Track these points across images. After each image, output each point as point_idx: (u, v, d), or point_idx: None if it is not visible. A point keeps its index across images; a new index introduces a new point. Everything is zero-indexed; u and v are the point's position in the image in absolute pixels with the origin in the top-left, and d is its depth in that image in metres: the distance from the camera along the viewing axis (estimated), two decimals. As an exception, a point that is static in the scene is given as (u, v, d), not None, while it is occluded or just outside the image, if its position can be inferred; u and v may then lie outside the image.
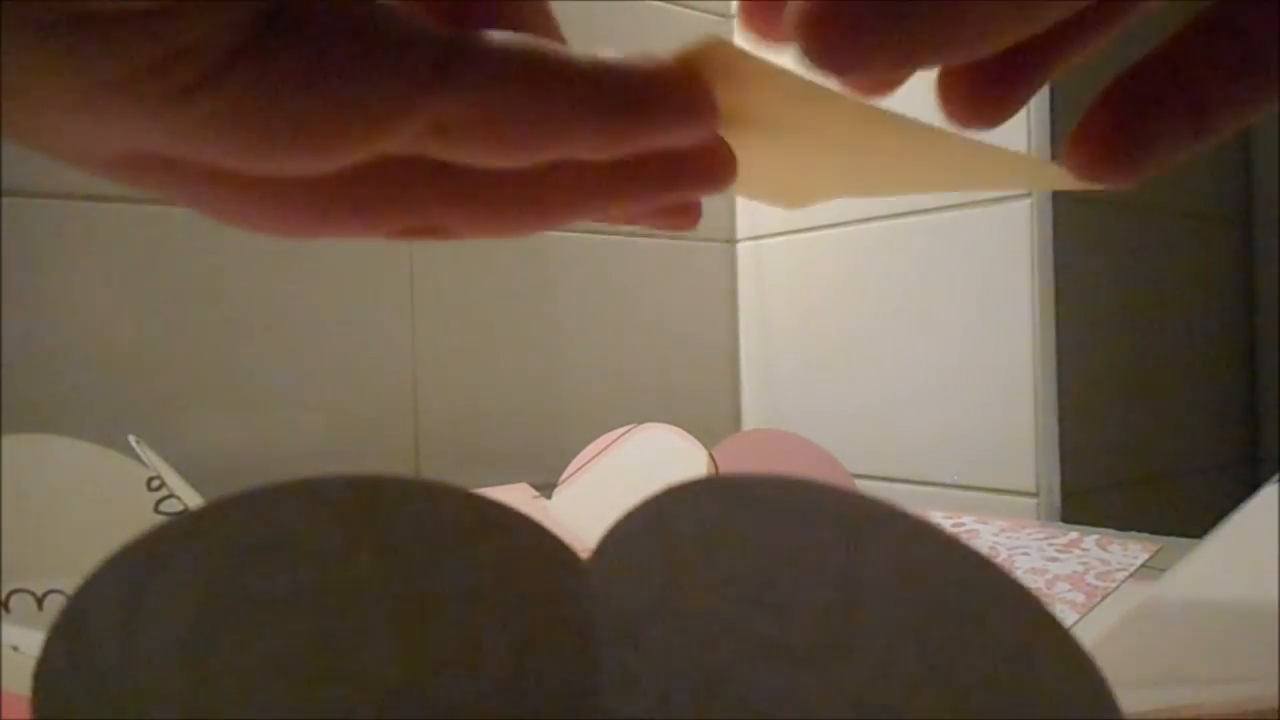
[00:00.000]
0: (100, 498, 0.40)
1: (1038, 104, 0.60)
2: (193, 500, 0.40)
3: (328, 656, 0.13)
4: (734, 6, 0.80)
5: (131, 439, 0.42)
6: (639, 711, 0.15)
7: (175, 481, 0.40)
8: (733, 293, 0.81)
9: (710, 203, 0.82)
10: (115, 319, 0.54)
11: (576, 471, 0.58)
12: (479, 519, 0.14)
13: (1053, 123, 0.60)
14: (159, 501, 0.39)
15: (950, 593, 0.13)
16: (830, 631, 0.13)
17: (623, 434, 0.58)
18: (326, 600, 0.13)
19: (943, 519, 0.53)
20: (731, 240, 0.81)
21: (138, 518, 0.39)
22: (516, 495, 0.55)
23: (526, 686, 0.14)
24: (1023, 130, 0.60)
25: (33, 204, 0.52)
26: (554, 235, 0.71)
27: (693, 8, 0.79)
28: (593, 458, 0.58)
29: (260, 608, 0.13)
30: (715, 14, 0.80)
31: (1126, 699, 0.18)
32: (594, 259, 0.73)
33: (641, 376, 0.75)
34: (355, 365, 0.62)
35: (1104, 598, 0.39)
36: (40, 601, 0.34)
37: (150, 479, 0.40)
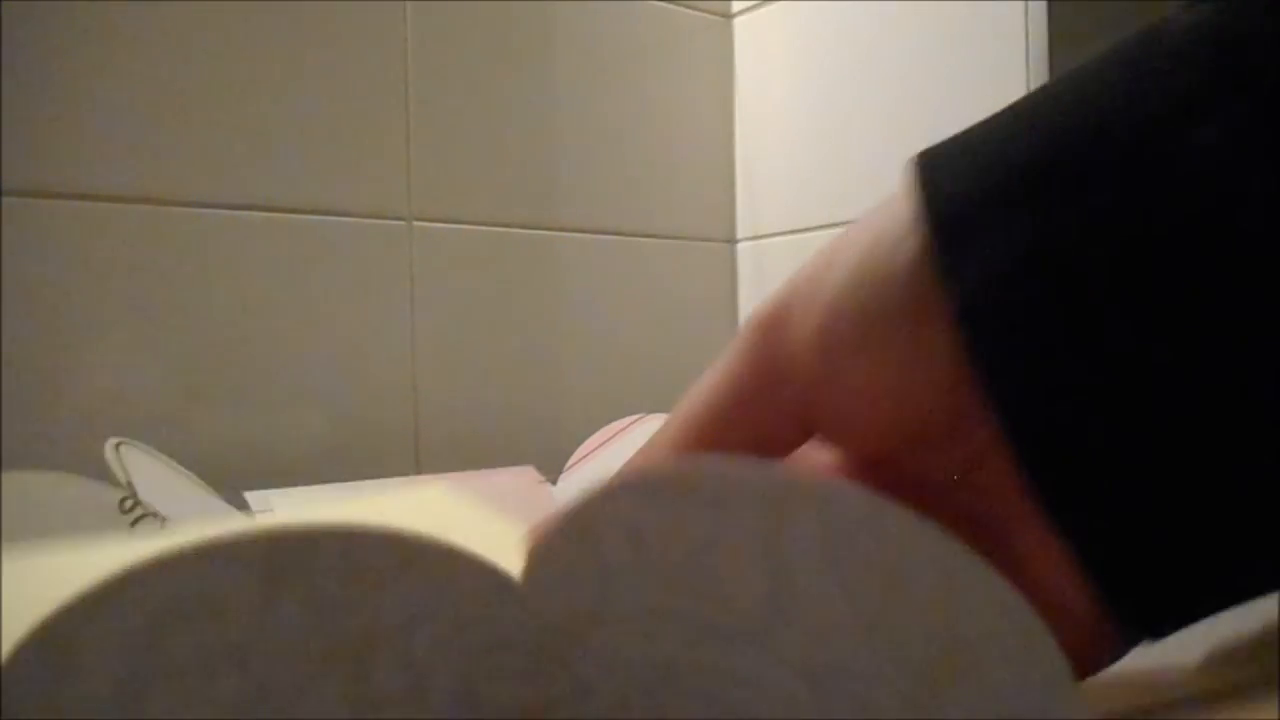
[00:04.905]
0: (72, 528, 0.38)
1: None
2: (184, 500, 0.40)
3: (267, 710, 0.13)
4: (734, 6, 0.81)
5: (109, 446, 0.40)
6: (601, 713, 0.15)
7: (155, 488, 0.39)
8: (733, 293, 0.81)
9: (710, 202, 0.81)
10: (115, 319, 0.54)
11: (582, 459, 0.58)
12: (401, 554, 0.14)
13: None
14: (134, 522, 0.38)
15: (875, 549, 0.13)
16: (766, 606, 0.14)
17: (630, 423, 0.58)
18: (255, 654, 0.13)
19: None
20: (731, 240, 0.82)
21: (114, 544, 0.37)
22: (522, 478, 0.55)
23: (479, 710, 0.15)
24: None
25: (33, 204, 0.52)
26: (555, 234, 0.71)
27: (693, 8, 0.79)
28: (599, 445, 0.58)
29: (186, 671, 0.13)
30: (715, 14, 0.80)
31: (1105, 676, 0.18)
32: (594, 259, 0.73)
33: (641, 378, 0.75)
34: (355, 362, 0.62)
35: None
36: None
37: (123, 499, 0.38)
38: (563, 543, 0.14)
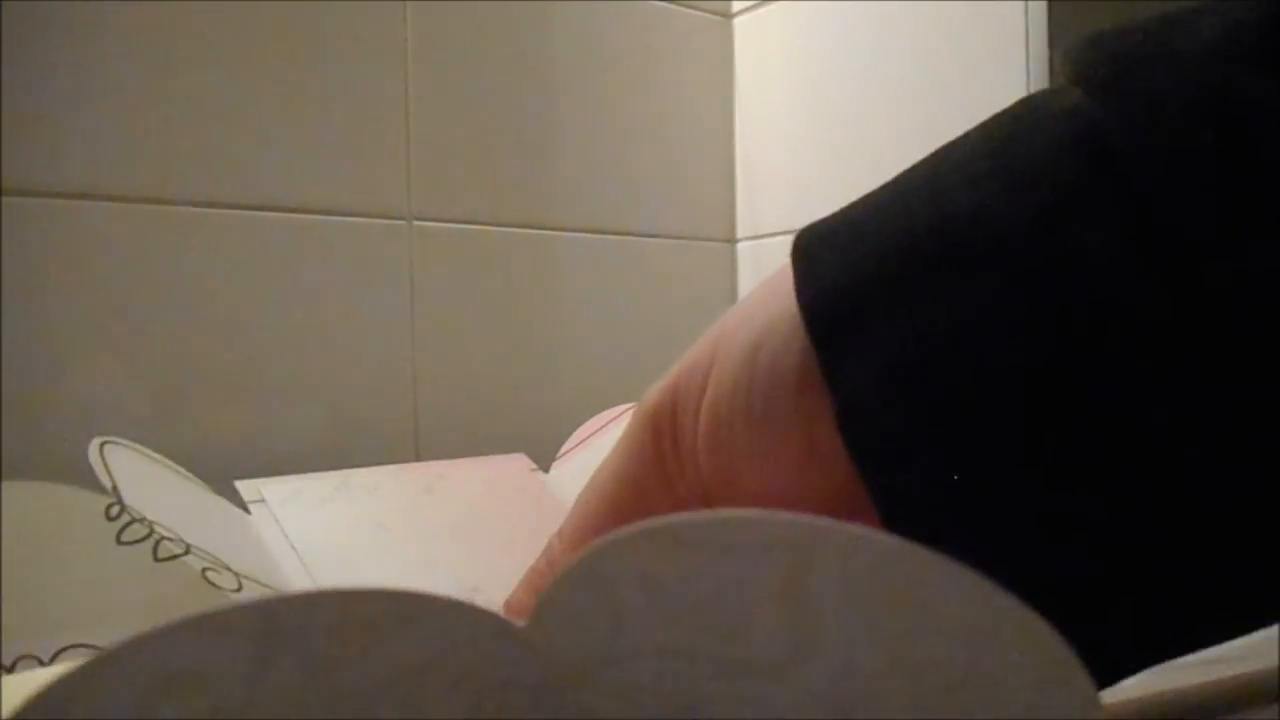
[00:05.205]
0: (61, 542, 0.37)
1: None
2: (173, 499, 0.39)
3: None
4: (734, 6, 0.81)
5: (92, 447, 0.38)
6: None
7: (142, 488, 0.37)
8: (733, 293, 0.81)
9: (710, 202, 0.81)
10: (115, 317, 0.54)
11: (574, 448, 0.58)
12: (401, 610, 0.14)
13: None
14: (121, 530, 0.36)
15: (901, 589, 0.13)
16: (789, 643, 0.14)
17: (622, 412, 0.58)
18: (252, 715, 0.13)
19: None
20: (731, 240, 0.82)
21: (104, 554, 0.36)
22: (514, 465, 0.55)
23: None
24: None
25: (33, 204, 0.52)
26: (555, 234, 0.71)
27: (693, 8, 0.79)
28: (590, 434, 0.58)
29: None
30: (715, 14, 0.80)
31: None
32: (594, 258, 0.73)
33: (641, 378, 0.75)
34: (356, 361, 0.62)
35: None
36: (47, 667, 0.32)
37: (109, 506, 0.37)
38: (571, 589, 0.14)
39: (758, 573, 0.13)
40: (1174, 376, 0.15)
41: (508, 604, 0.23)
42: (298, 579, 0.40)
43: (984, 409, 0.16)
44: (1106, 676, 0.17)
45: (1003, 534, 0.16)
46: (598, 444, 0.56)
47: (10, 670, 0.32)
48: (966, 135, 0.18)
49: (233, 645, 0.13)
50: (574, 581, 0.14)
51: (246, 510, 0.44)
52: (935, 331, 0.16)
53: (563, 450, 0.58)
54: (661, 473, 0.21)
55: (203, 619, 0.13)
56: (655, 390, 0.21)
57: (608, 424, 0.58)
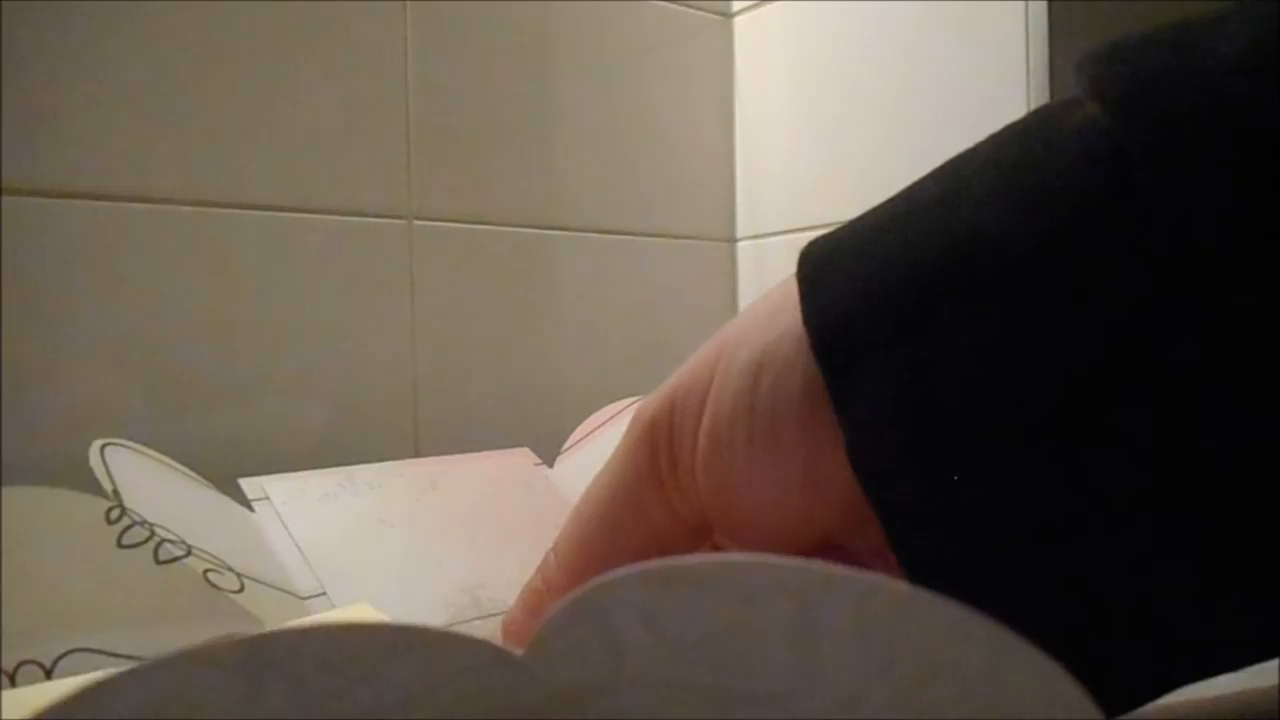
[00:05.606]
0: (61, 547, 0.36)
1: (1037, 95, 0.60)
2: (176, 500, 0.39)
3: None
4: (734, 6, 0.81)
5: (93, 449, 0.38)
6: None
7: (144, 491, 0.37)
8: (733, 293, 0.81)
9: (710, 202, 0.81)
10: (115, 317, 0.54)
11: (578, 443, 0.58)
12: (395, 641, 0.14)
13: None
14: (121, 534, 0.35)
15: (911, 633, 0.13)
16: (792, 679, 0.13)
17: (626, 406, 0.58)
18: None
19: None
20: (731, 240, 0.81)
21: (105, 558, 0.36)
22: (518, 460, 0.55)
23: None
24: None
25: (33, 204, 0.52)
26: (554, 234, 0.71)
27: (693, 7, 0.79)
28: (595, 429, 0.58)
29: None
30: (715, 14, 0.80)
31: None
32: (594, 258, 0.73)
33: (640, 378, 0.75)
34: (356, 361, 0.62)
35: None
36: (49, 672, 0.32)
37: (109, 510, 0.36)
38: (571, 623, 0.14)
39: (764, 615, 0.13)
40: (1194, 404, 0.14)
41: (505, 624, 0.23)
42: (301, 576, 0.40)
43: (998, 438, 0.15)
44: (1116, 708, 0.16)
45: (1014, 564, 0.16)
46: (601, 438, 0.56)
47: (12, 676, 0.32)
48: (976, 149, 0.18)
49: (224, 677, 0.13)
50: (574, 616, 0.14)
51: (250, 508, 0.44)
52: (947, 358, 0.16)
53: (567, 445, 0.58)
54: (658, 488, 0.20)
55: (194, 653, 0.13)
56: (652, 402, 0.21)
57: (612, 418, 0.58)
